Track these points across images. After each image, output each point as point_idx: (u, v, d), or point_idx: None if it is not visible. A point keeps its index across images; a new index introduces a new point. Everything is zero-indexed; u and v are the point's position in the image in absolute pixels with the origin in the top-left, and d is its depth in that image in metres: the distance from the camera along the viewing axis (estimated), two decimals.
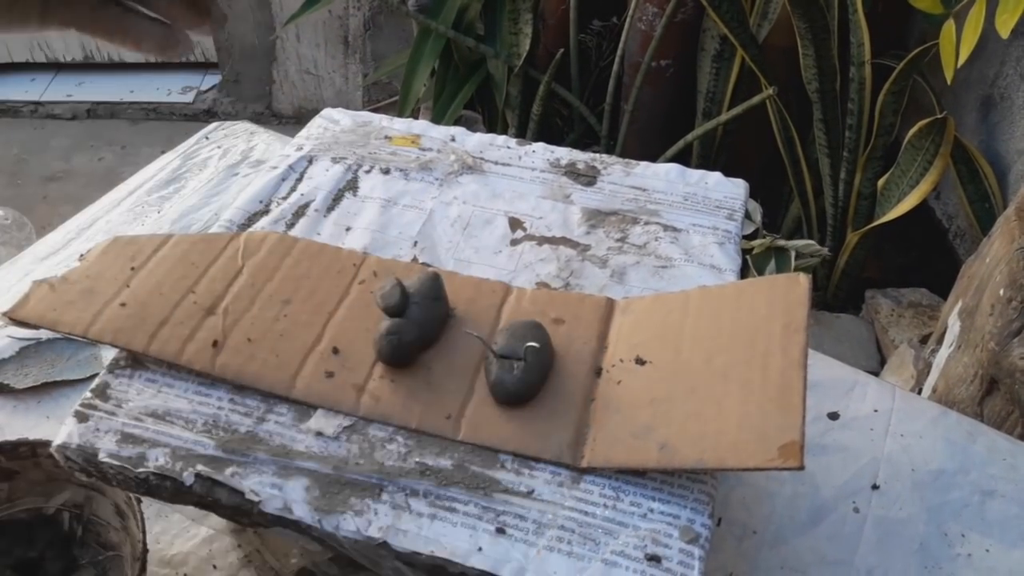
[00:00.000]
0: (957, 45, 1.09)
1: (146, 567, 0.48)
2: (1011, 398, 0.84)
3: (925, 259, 1.53)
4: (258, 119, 2.19)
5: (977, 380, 0.89)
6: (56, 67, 2.26)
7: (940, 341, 1.02)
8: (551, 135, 1.73)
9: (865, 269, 1.48)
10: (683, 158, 1.48)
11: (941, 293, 1.36)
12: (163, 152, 0.86)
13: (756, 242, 1.21)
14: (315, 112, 0.66)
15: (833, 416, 0.63)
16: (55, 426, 0.57)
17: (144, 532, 0.48)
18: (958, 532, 0.57)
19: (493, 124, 1.72)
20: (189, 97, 2.19)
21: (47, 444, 0.51)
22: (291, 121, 2.23)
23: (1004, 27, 0.99)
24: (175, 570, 0.54)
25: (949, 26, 1.10)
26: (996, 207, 1.27)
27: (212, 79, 2.24)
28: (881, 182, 1.32)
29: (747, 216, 0.62)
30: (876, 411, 0.64)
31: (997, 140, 1.33)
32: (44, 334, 0.66)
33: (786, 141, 1.40)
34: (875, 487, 0.59)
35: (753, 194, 0.62)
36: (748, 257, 1.16)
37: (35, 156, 2.06)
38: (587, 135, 1.70)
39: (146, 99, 2.18)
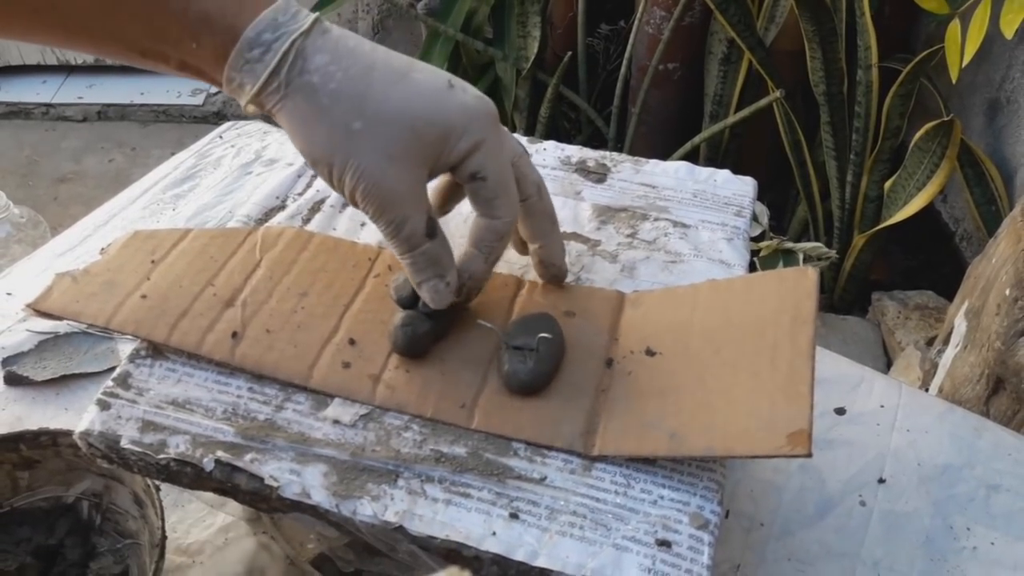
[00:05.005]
0: (962, 45, 1.09)
1: (164, 554, 0.49)
2: (1017, 397, 0.85)
3: (931, 262, 1.54)
4: (269, 120, 2.21)
5: (983, 379, 0.90)
6: (67, 69, 2.28)
7: (946, 341, 1.02)
8: (559, 138, 1.73)
9: (872, 271, 1.48)
10: (690, 160, 1.48)
11: (947, 296, 1.36)
12: (173, 154, 0.87)
13: (763, 244, 1.22)
14: None
15: (840, 411, 0.63)
16: (73, 417, 0.58)
17: (163, 520, 0.49)
18: (963, 525, 0.57)
19: None
20: (199, 99, 2.20)
21: (68, 434, 0.52)
22: None
23: (1009, 27, 1.00)
24: (191, 558, 0.55)
25: (954, 26, 1.11)
26: (1003, 210, 1.28)
27: None
28: (888, 185, 1.33)
29: (754, 218, 0.63)
30: (882, 407, 0.64)
31: (1004, 143, 1.34)
32: (62, 328, 0.67)
33: (793, 144, 1.41)
34: (881, 481, 0.60)
35: (760, 196, 0.63)
36: (756, 259, 1.17)
37: (46, 157, 2.08)
38: (595, 138, 1.71)
39: (156, 101, 2.19)
